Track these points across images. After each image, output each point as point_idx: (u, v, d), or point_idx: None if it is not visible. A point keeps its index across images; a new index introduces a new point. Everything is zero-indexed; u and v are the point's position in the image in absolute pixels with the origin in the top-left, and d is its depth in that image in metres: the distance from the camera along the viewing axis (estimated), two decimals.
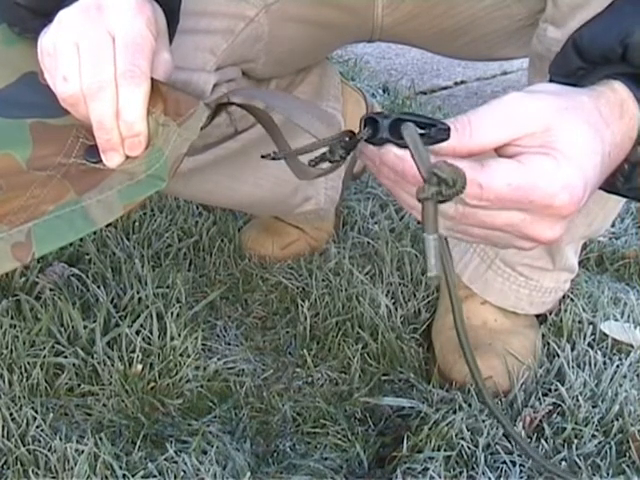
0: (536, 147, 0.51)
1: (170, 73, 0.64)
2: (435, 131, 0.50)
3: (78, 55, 0.59)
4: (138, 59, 0.59)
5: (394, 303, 1.05)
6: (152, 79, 0.60)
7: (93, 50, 0.59)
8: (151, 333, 0.96)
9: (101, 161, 0.62)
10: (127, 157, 0.61)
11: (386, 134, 0.51)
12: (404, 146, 0.51)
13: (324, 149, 0.55)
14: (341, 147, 0.52)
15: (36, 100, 0.65)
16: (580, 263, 1.07)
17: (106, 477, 0.79)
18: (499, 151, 0.53)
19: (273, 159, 0.57)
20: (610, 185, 0.59)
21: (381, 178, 0.55)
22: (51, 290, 1.01)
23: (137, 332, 0.96)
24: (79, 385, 0.91)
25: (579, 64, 0.59)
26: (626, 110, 0.56)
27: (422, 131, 0.50)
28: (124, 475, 0.80)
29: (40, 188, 0.61)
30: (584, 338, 1.00)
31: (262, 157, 0.57)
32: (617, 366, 0.95)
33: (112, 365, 0.92)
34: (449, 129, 0.50)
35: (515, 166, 0.51)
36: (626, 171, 0.58)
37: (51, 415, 0.85)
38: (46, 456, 0.80)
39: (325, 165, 0.56)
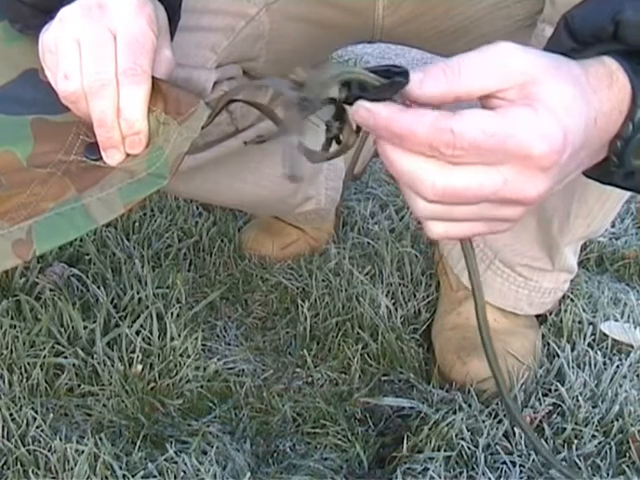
0: (519, 99, 0.50)
1: (171, 71, 0.64)
2: (395, 77, 0.50)
3: (79, 53, 0.59)
4: (139, 57, 0.59)
5: (394, 303, 1.05)
6: (153, 77, 0.60)
7: (94, 48, 0.59)
8: (151, 333, 0.96)
9: (101, 158, 0.62)
10: (127, 155, 0.62)
11: (357, 92, 0.51)
12: (373, 99, 0.50)
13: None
14: (333, 118, 0.52)
15: (37, 97, 0.65)
16: (580, 263, 1.07)
17: (106, 477, 0.79)
18: (482, 101, 0.51)
19: (258, 143, 0.56)
20: (605, 171, 0.58)
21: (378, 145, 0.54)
22: (51, 290, 1.01)
23: (137, 332, 0.96)
24: (79, 385, 0.91)
25: (571, 45, 0.59)
26: (615, 81, 0.54)
27: (384, 80, 0.49)
28: (124, 475, 0.80)
29: (41, 185, 0.61)
30: (584, 338, 1.00)
31: (245, 144, 0.57)
32: (617, 366, 0.95)
33: (112, 365, 0.92)
34: (407, 72, 0.50)
35: (491, 114, 0.49)
36: (618, 149, 0.56)
37: (51, 415, 0.85)
38: (46, 456, 0.80)
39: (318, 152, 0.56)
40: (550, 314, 1.04)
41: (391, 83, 0.49)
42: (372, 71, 0.50)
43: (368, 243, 1.18)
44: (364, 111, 0.51)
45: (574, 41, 0.59)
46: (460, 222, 0.54)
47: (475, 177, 0.50)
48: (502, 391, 0.73)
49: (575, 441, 0.85)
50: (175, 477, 0.80)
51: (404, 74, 0.49)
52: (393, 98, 0.50)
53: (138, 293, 1.02)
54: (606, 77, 0.54)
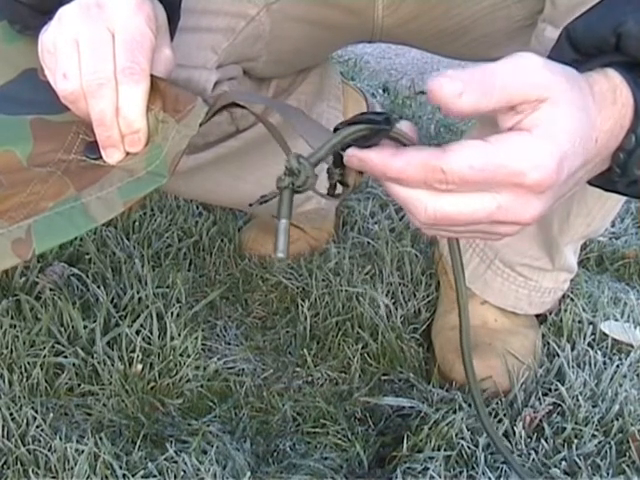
0: (525, 118, 0.50)
1: (171, 69, 0.64)
2: (378, 125, 0.52)
3: (78, 52, 0.59)
4: (137, 56, 0.59)
5: (394, 303, 1.05)
6: (151, 76, 0.60)
7: (93, 47, 0.59)
8: (151, 333, 0.96)
9: (101, 157, 0.62)
10: (127, 153, 0.62)
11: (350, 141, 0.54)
12: (362, 146, 0.52)
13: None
14: (333, 165, 0.54)
15: (36, 97, 0.66)
16: (580, 263, 1.07)
17: (106, 477, 0.79)
18: (500, 113, 0.51)
19: (261, 203, 0.58)
20: (608, 180, 0.59)
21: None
22: (51, 290, 1.01)
23: (137, 332, 0.96)
24: (79, 385, 0.91)
25: (573, 56, 0.59)
26: (619, 95, 0.55)
27: (363, 127, 0.51)
28: (124, 475, 0.80)
29: (40, 184, 0.61)
30: (584, 338, 1.00)
31: (250, 205, 0.60)
32: (617, 366, 0.95)
33: (112, 365, 0.92)
34: (389, 118, 0.52)
35: (479, 147, 0.49)
36: (621, 160, 0.57)
37: (51, 415, 0.85)
38: (46, 456, 0.80)
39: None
40: (550, 314, 1.04)
41: (377, 130, 0.52)
42: (357, 122, 0.52)
43: (368, 243, 1.18)
44: (356, 160, 0.52)
45: (576, 52, 0.59)
46: (455, 233, 0.55)
47: (468, 203, 0.51)
48: (476, 400, 0.74)
49: (575, 441, 0.85)
50: (175, 477, 0.80)
51: (387, 120, 0.52)
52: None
53: (138, 293, 1.02)
54: (610, 93, 0.54)
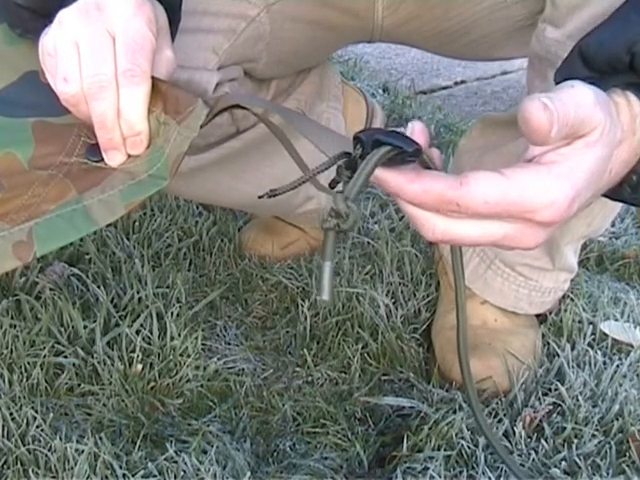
0: (554, 153, 0.50)
1: (173, 71, 0.64)
2: (406, 154, 0.51)
3: (78, 55, 0.59)
4: (138, 58, 0.59)
5: (394, 303, 1.05)
6: (152, 77, 0.60)
7: (93, 50, 0.59)
8: (151, 333, 0.96)
9: (103, 160, 0.62)
10: (129, 156, 0.62)
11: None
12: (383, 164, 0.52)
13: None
14: (345, 168, 0.53)
15: (37, 99, 0.65)
16: (580, 263, 1.07)
17: (106, 477, 0.79)
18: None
19: (270, 197, 0.57)
20: (616, 194, 0.59)
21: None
22: (51, 290, 1.01)
23: (137, 332, 0.96)
24: (79, 385, 0.91)
25: (586, 73, 0.58)
26: (638, 125, 0.54)
27: (386, 148, 0.50)
28: (124, 475, 0.80)
29: (42, 187, 0.61)
30: (584, 338, 1.00)
31: (259, 197, 0.58)
32: (617, 366, 0.95)
33: (112, 365, 0.92)
34: (420, 150, 0.51)
35: (495, 181, 0.49)
36: (634, 182, 0.57)
37: (51, 415, 0.85)
38: (46, 456, 0.80)
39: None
40: (550, 314, 1.04)
41: (402, 159, 0.51)
42: (383, 139, 0.51)
43: (368, 243, 1.18)
44: (374, 178, 0.52)
45: (589, 69, 0.58)
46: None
47: (476, 229, 0.52)
48: (472, 401, 0.74)
49: (575, 440, 0.86)
50: (175, 477, 0.80)
51: (417, 152, 0.51)
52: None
53: (138, 293, 1.02)
54: (632, 122, 0.54)
